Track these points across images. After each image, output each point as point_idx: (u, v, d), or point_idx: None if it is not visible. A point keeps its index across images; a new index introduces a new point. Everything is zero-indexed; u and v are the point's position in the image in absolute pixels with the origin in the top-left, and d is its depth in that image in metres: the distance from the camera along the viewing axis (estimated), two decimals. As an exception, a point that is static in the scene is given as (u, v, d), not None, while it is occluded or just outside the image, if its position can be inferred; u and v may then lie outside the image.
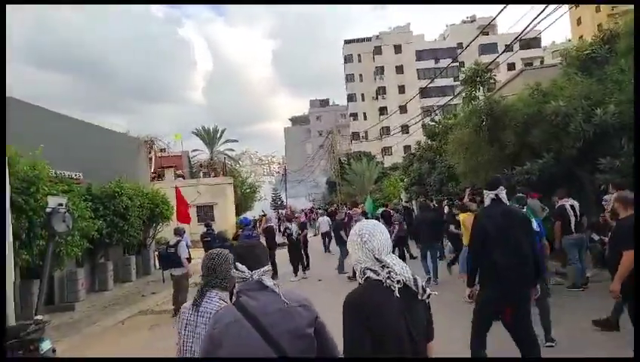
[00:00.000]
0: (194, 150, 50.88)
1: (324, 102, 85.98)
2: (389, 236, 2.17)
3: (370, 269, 2.04)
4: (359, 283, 2.08)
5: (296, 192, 66.62)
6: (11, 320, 7.17)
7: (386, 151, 62.61)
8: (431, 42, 67.82)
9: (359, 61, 67.55)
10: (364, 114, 66.98)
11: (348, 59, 68.78)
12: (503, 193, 4.27)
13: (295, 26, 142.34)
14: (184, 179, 30.25)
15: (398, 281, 1.98)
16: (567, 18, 58.67)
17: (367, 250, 2.07)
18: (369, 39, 67.87)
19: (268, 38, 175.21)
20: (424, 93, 62.80)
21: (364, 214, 13.02)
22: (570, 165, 10.39)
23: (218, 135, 53.06)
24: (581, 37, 49.00)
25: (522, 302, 4.01)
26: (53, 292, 10.51)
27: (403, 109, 58.09)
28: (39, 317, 7.25)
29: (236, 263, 2.12)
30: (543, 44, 64.37)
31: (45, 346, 6.28)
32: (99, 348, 7.68)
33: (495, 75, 11.32)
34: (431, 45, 66.45)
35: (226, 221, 27.36)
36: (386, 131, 58.13)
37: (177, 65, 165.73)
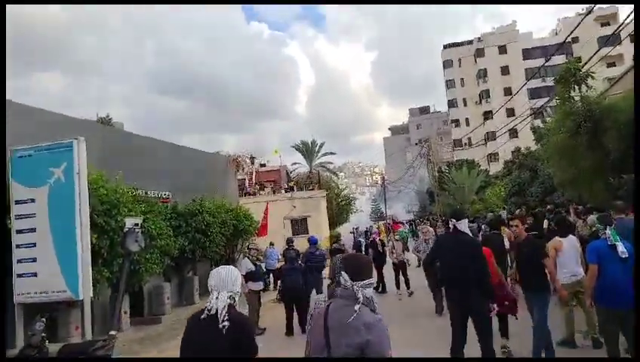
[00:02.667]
0: (293, 163, 52.42)
1: (424, 110, 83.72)
2: (235, 277, 2.82)
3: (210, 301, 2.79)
4: None
5: (396, 203, 65.38)
6: (88, 334, 7.74)
7: (492, 157, 58.90)
8: (540, 39, 62.71)
9: (459, 65, 64.69)
10: (467, 120, 63.80)
11: (447, 64, 66.23)
12: (461, 225, 5.20)
13: (393, 35, 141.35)
14: (290, 191, 30.77)
15: (209, 309, 2.71)
16: None
17: (210, 286, 2.80)
18: (470, 42, 64.87)
19: (366, 50, 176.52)
20: (534, 93, 58.22)
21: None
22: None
23: (317, 148, 54.17)
24: None
25: (474, 309, 4.95)
26: (143, 306, 11.23)
27: (510, 112, 54.56)
28: (113, 332, 7.72)
29: (341, 271, 2.62)
30: (677, 29, 56.12)
31: (112, 362, 6.63)
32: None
33: (594, 73, 9.80)
34: (540, 43, 61.40)
35: (319, 234, 27.57)
36: (491, 136, 54.76)
37: (283, 82, 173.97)
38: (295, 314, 9.34)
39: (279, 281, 15.78)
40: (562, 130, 9.92)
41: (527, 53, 60.83)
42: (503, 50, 61.36)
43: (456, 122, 65.27)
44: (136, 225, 8.47)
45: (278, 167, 41.07)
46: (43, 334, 7.05)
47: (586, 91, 9.89)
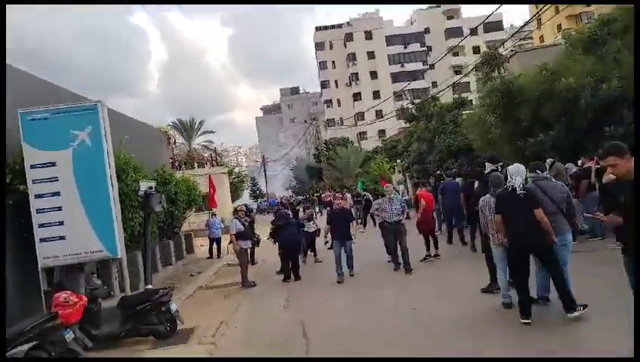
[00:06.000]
0: (174, 141, 50.52)
1: (295, 90, 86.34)
2: (523, 171, 5.39)
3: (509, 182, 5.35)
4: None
5: (274, 181, 67.24)
6: (127, 290, 7.97)
7: (362, 136, 63.98)
8: (399, 27, 69.27)
9: (331, 48, 68.27)
10: (338, 100, 68.01)
11: (319, 46, 69.35)
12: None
13: (252, 13, 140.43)
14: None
15: (512, 186, 5.22)
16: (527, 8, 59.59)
17: (510, 174, 5.35)
18: (340, 26, 68.67)
19: (224, 26, 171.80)
20: (395, 77, 64.64)
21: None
22: (578, 136, 11.79)
23: (196, 126, 53.02)
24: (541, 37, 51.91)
25: None
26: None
27: (376, 95, 60.13)
28: (149, 286, 8.11)
29: (536, 170, 5.72)
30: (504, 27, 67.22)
31: (173, 307, 7.23)
32: (205, 309, 8.48)
33: (509, 58, 12.59)
34: (400, 30, 67.91)
35: (224, 208, 27.91)
36: (360, 117, 59.45)
37: (131, 55, 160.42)
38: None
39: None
40: (484, 104, 12.51)
41: (389, 40, 66.85)
42: (369, 35, 66.35)
43: (329, 102, 69.09)
44: (151, 188, 8.79)
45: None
46: (105, 287, 7.23)
47: (504, 72, 12.62)
